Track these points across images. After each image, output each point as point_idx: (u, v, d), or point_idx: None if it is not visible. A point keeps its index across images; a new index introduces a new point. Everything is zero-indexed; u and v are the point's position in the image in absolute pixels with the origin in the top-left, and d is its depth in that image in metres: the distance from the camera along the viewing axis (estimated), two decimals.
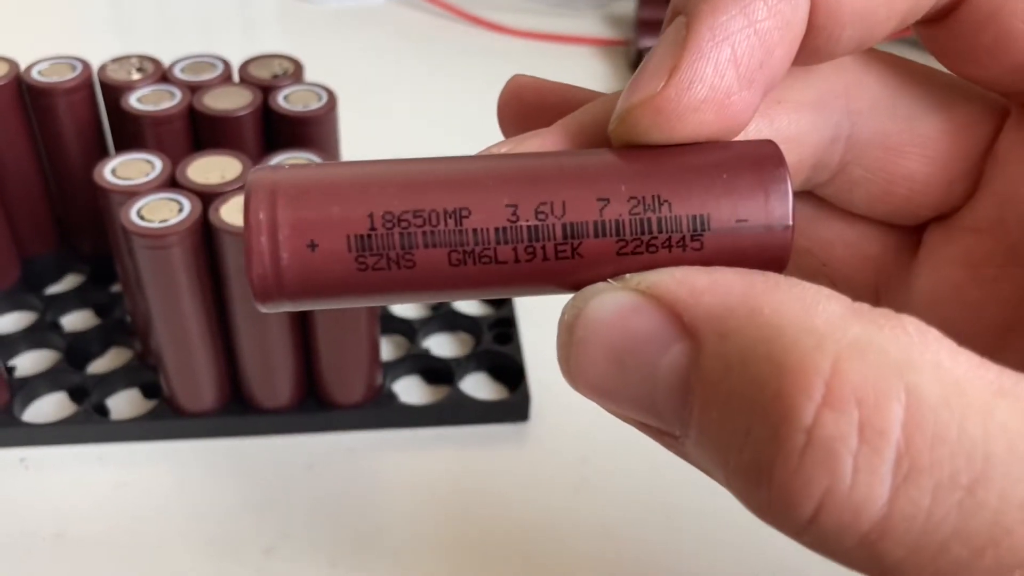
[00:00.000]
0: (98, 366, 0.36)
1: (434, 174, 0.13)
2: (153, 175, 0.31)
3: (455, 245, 0.13)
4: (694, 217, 0.13)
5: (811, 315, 0.11)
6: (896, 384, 0.10)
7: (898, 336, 0.11)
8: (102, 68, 0.36)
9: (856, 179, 0.16)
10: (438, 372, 0.36)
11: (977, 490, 0.10)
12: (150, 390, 0.35)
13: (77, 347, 0.36)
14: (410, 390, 0.35)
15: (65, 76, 0.35)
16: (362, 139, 0.42)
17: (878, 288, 0.18)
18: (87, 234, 0.39)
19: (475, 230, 0.13)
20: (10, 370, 0.35)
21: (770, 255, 0.13)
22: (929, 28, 0.15)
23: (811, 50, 0.14)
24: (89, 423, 0.33)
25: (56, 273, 0.40)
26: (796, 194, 0.13)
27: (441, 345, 0.37)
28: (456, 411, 0.34)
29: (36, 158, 0.37)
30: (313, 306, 0.13)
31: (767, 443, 0.11)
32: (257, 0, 0.67)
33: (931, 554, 0.10)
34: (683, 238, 0.13)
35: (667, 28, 0.14)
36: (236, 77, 0.37)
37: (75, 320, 0.38)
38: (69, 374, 0.35)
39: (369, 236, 0.13)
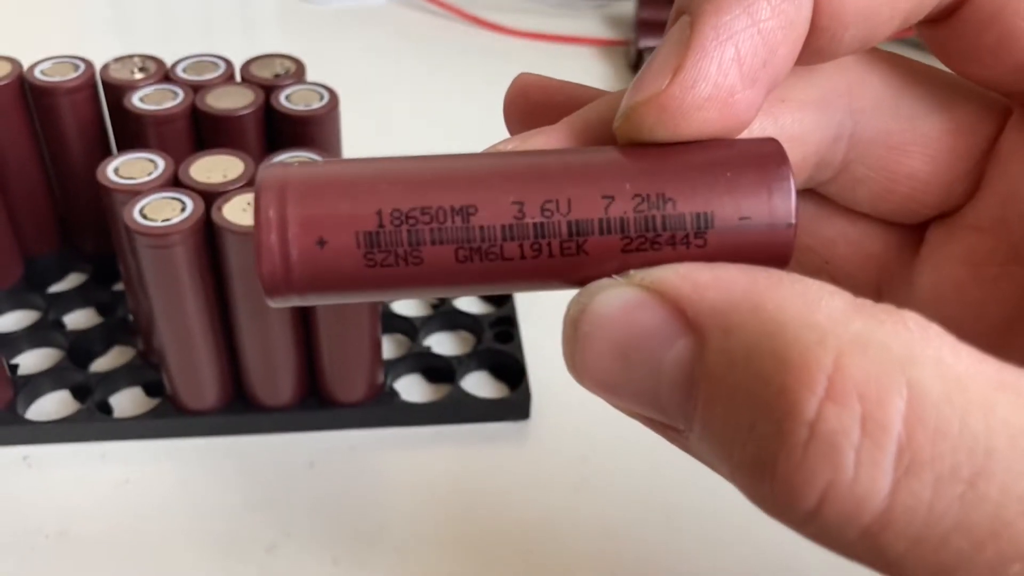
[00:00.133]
0: (101, 364, 0.36)
1: (441, 171, 0.13)
2: (156, 174, 0.31)
3: (462, 242, 0.13)
4: (698, 215, 0.13)
5: (813, 311, 0.11)
6: (898, 379, 0.11)
7: (899, 331, 0.11)
8: (104, 68, 0.36)
9: (859, 177, 0.16)
10: (439, 370, 0.36)
11: (978, 483, 0.10)
12: (152, 388, 0.35)
13: (80, 345, 0.36)
14: (411, 388, 0.36)
15: (68, 76, 0.35)
16: (363, 139, 0.42)
17: (880, 286, 0.18)
18: (90, 233, 0.39)
19: (482, 227, 0.13)
20: (13, 368, 0.35)
21: (773, 252, 0.13)
22: (932, 28, 0.15)
23: (814, 49, 0.14)
24: (92, 421, 0.33)
25: (59, 272, 0.40)
26: (799, 192, 0.13)
27: (442, 343, 0.37)
28: (457, 409, 0.34)
29: (39, 157, 0.37)
30: (321, 301, 0.14)
31: (771, 437, 0.11)
32: (258, 0, 0.67)
33: (932, 546, 0.11)
34: (687, 235, 0.13)
35: (671, 27, 0.14)
36: (238, 77, 0.37)
37: (78, 319, 0.38)
38: (72, 372, 0.35)
39: (377, 233, 0.13)
